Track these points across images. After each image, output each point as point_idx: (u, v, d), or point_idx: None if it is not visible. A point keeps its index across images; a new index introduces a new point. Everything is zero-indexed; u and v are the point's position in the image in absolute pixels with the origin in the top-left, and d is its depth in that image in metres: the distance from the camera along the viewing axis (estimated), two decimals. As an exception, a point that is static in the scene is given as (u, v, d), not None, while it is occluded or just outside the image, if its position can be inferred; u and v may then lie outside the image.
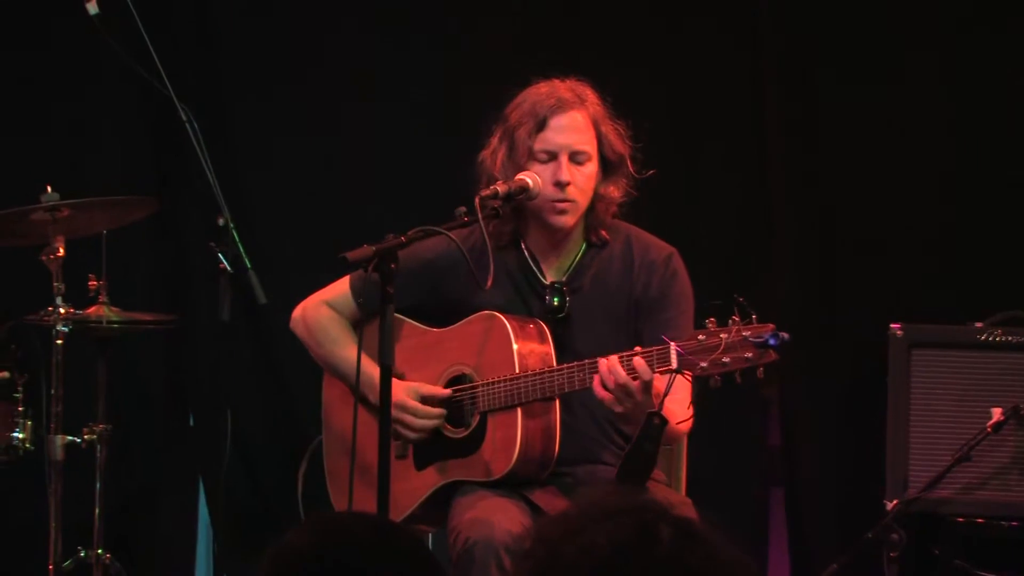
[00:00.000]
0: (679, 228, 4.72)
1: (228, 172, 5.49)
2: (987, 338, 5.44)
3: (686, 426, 4.35)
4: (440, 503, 4.46)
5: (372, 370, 4.30)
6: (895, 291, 5.83)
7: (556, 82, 4.49)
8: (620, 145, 4.47)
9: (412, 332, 4.60)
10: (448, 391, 4.50)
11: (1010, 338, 5.43)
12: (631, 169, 4.49)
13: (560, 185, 4.39)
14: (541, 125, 4.41)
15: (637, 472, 4.18)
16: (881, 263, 5.89)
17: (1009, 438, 5.37)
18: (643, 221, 4.61)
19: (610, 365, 4.14)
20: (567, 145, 4.41)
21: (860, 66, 5.93)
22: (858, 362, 5.80)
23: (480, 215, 4.28)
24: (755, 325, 4.01)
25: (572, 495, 4.38)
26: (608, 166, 4.48)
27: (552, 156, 4.41)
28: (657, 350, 4.12)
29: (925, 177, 5.91)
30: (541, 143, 4.41)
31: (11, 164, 5.91)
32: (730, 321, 4.02)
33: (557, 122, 4.42)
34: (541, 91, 4.47)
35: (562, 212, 4.43)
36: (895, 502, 5.36)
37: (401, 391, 4.45)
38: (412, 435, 4.49)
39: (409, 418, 4.48)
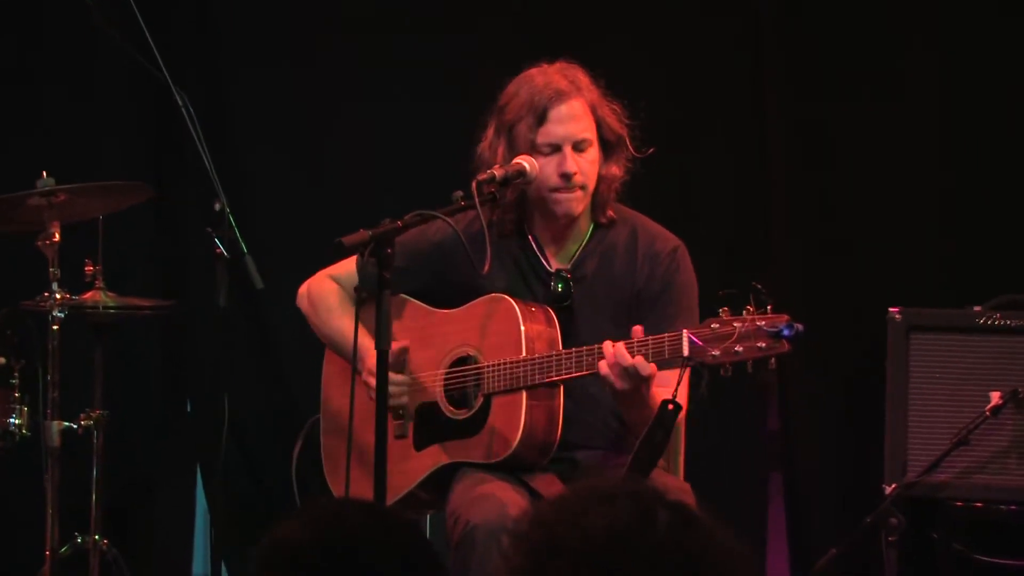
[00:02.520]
0: (677, 216, 4.71)
1: (225, 157, 5.48)
2: (986, 322, 5.43)
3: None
4: (438, 484, 4.45)
5: (368, 342, 4.29)
6: (894, 274, 5.82)
7: (548, 69, 4.47)
8: (618, 126, 4.46)
9: (417, 312, 4.59)
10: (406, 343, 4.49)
11: (1009, 322, 5.42)
12: (630, 147, 4.48)
13: (566, 176, 4.39)
14: (541, 118, 4.40)
15: (647, 459, 4.17)
16: (880, 247, 5.89)
17: (1008, 422, 5.37)
18: (641, 211, 4.60)
19: (616, 350, 4.14)
20: (569, 136, 4.40)
21: (860, 59, 5.92)
22: (856, 346, 5.80)
23: (477, 199, 4.27)
24: (770, 315, 4.01)
25: (571, 482, 4.38)
26: (608, 147, 4.47)
27: (555, 148, 4.40)
28: (669, 337, 4.11)
29: (923, 162, 5.90)
30: (544, 136, 4.40)
31: (7, 150, 5.90)
32: (745, 310, 4.01)
33: (557, 113, 4.40)
34: (536, 81, 4.44)
35: (570, 200, 4.42)
36: (894, 486, 5.36)
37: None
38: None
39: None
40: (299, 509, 2.38)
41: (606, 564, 1.99)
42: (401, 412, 4.54)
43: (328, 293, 4.63)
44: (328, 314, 4.62)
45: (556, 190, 4.41)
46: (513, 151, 4.41)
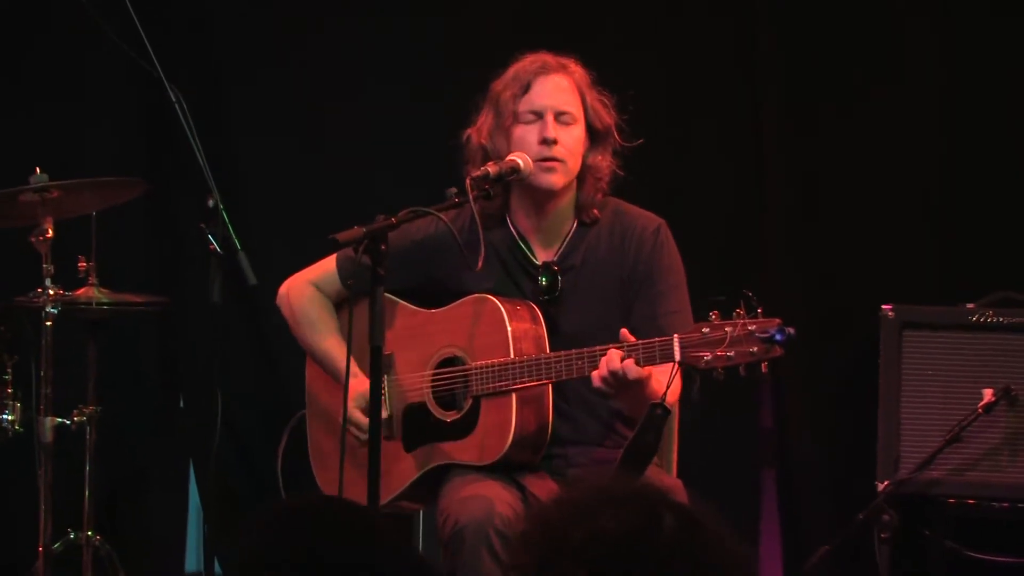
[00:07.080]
0: (670, 212, 4.70)
1: (219, 153, 5.48)
2: (978, 319, 5.44)
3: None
4: (429, 485, 4.46)
5: (340, 358, 4.31)
6: (887, 272, 5.82)
7: (541, 53, 4.49)
8: (606, 115, 4.46)
9: (401, 312, 4.59)
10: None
11: (1001, 319, 5.43)
12: (618, 140, 4.48)
13: (547, 142, 4.38)
14: (526, 88, 4.42)
15: (638, 462, 4.17)
16: (873, 244, 5.89)
17: (1000, 419, 5.38)
18: (633, 203, 4.60)
19: (609, 359, 4.13)
20: (552, 105, 4.41)
21: (856, 50, 5.92)
22: (850, 343, 5.80)
23: (471, 196, 4.27)
24: (761, 319, 3.98)
25: (564, 480, 4.38)
26: (595, 136, 4.46)
27: (538, 116, 4.40)
28: (660, 342, 4.10)
29: (918, 159, 5.90)
30: (526, 104, 4.41)
31: (1, 146, 5.89)
32: (735, 314, 3.99)
33: (541, 84, 4.43)
34: (526, 60, 4.48)
35: (550, 170, 4.40)
36: (886, 483, 5.37)
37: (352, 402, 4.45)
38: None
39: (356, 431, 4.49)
40: (260, 515, 2.35)
41: (614, 566, 2.00)
42: (389, 413, 4.54)
43: (309, 304, 4.62)
44: (311, 329, 4.62)
45: (537, 159, 4.40)
46: (498, 122, 4.42)
